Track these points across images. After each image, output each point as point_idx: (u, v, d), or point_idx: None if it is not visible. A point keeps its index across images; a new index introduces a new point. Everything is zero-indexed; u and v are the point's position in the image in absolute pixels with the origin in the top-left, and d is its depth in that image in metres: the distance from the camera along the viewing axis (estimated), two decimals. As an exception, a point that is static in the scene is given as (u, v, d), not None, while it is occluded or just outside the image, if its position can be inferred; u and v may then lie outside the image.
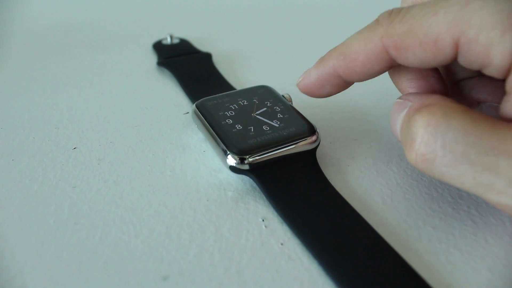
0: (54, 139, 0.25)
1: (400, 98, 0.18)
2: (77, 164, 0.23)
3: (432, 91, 0.19)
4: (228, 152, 0.20)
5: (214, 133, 0.22)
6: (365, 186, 0.21)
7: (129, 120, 0.27)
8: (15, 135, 0.25)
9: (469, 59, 0.16)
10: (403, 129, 0.17)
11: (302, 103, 0.26)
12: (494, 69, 0.16)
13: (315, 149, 0.22)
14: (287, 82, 0.31)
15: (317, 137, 0.22)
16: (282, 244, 0.18)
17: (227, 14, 0.47)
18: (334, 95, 0.22)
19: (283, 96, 0.25)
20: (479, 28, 0.15)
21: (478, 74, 0.21)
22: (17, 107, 0.28)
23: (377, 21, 0.18)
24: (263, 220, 0.19)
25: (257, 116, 0.23)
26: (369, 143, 0.24)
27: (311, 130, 0.22)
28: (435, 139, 0.15)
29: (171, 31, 0.38)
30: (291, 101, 0.25)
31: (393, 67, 0.19)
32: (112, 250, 0.17)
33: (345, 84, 0.21)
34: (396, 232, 0.18)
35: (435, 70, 0.20)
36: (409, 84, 0.20)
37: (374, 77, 0.20)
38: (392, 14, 0.18)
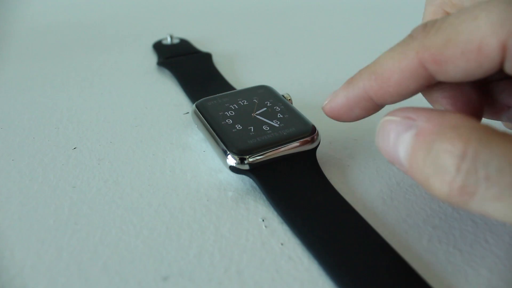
0: (54, 139, 0.25)
1: (393, 115, 0.16)
2: (77, 164, 0.23)
3: (467, 99, 0.18)
4: (228, 152, 0.20)
5: (214, 133, 0.22)
6: (365, 186, 0.21)
7: (129, 120, 0.27)
8: (15, 135, 0.25)
9: None
10: (419, 156, 0.14)
11: (302, 103, 0.26)
12: None
13: (315, 149, 0.22)
14: (287, 82, 0.31)
15: (317, 137, 0.22)
16: (282, 244, 0.18)
17: (227, 14, 0.47)
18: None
19: (283, 96, 0.25)
20: None
21: (508, 76, 0.19)
22: (17, 107, 0.28)
23: (410, 36, 0.16)
24: (263, 220, 0.19)
25: (257, 116, 0.23)
26: (369, 143, 0.24)
27: (311, 130, 0.22)
28: (476, 170, 0.13)
29: (171, 31, 0.38)
30: (291, 100, 0.25)
31: (431, 85, 0.17)
32: (112, 250, 0.17)
33: (376, 107, 0.19)
34: (396, 232, 0.18)
35: None
36: (441, 93, 0.18)
37: (408, 97, 0.18)
38: (427, 26, 0.16)
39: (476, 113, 0.18)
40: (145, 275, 0.16)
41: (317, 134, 0.22)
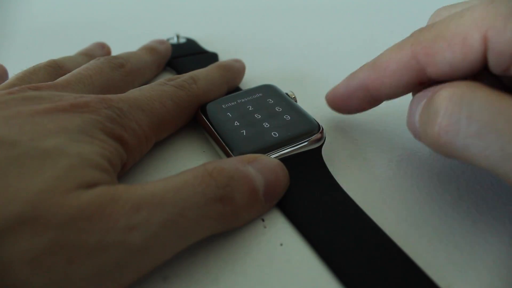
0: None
1: (419, 92, 0.18)
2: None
3: None
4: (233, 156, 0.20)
5: (218, 137, 0.22)
6: (365, 186, 0.21)
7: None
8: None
9: (499, 51, 0.16)
10: (424, 112, 0.17)
11: (305, 102, 0.25)
12: None
13: (320, 147, 0.21)
14: (290, 80, 0.31)
15: (323, 135, 0.21)
16: (282, 244, 0.18)
17: (233, 13, 0.47)
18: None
19: (287, 93, 0.25)
20: (506, 18, 0.15)
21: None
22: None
23: (410, 35, 0.19)
24: (263, 220, 0.19)
25: (260, 117, 0.23)
26: (369, 143, 0.24)
27: (316, 128, 0.21)
28: (460, 109, 0.15)
29: (177, 31, 0.38)
30: (295, 98, 0.25)
31: (422, 83, 0.19)
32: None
33: (371, 100, 0.21)
34: (396, 232, 0.18)
35: None
36: None
37: (401, 92, 0.20)
38: (424, 27, 0.18)
39: None
40: (145, 275, 0.16)
41: (322, 132, 0.21)
